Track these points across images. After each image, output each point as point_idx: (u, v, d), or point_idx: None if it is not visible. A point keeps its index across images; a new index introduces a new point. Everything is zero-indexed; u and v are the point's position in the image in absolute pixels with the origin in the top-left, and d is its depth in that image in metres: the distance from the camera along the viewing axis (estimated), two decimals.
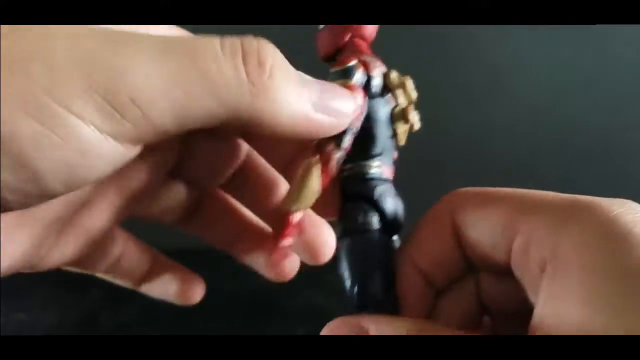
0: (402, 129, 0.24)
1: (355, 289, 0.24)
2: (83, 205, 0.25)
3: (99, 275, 0.30)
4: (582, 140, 0.59)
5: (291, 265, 0.28)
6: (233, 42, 0.19)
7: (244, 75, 0.18)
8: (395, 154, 0.25)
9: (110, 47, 0.17)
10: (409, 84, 0.24)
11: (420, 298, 0.23)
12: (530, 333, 0.19)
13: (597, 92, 0.55)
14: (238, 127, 0.20)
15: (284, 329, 0.23)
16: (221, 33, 0.19)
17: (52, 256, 0.25)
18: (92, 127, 0.17)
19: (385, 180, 0.24)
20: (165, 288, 0.31)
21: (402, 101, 0.24)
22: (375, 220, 0.24)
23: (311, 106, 0.20)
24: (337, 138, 0.23)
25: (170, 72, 0.17)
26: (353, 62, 0.24)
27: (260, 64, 0.19)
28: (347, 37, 0.25)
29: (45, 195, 0.18)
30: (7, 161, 0.16)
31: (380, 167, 0.24)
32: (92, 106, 0.17)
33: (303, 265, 0.29)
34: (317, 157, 0.23)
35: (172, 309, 0.34)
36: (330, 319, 0.23)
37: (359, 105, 0.23)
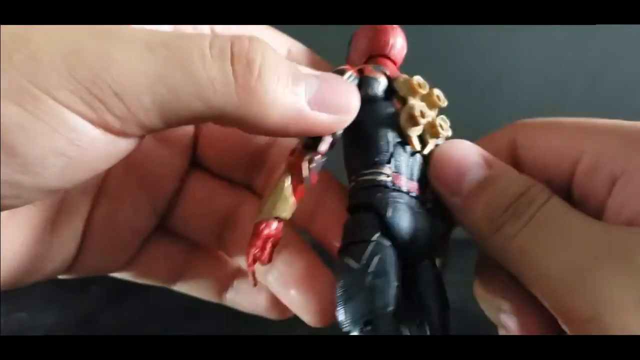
0: (413, 133, 0.22)
1: (339, 313, 0.20)
2: (116, 201, 0.25)
3: (175, 288, 0.29)
4: None
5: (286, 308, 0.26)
6: (222, 42, 0.18)
7: (231, 76, 0.18)
8: (416, 165, 0.22)
9: (95, 39, 0.17)
10: (419, 86, 0.22)
11: None
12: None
13: (598, 92, 0.55)
14: (229, 124, 0.19)
15: (284, 329, 0.23)
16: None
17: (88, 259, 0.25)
18: (79, 116, 0.17)
19: (399, 190, 0.21)
20: (253, 300, 0.28)
21: (411, 104, 0.22)
22: (375, 231, 0.20)
23: (306, 103, 0.19)
24: (312, 142, 0.21)
25: (155, 69, 0.17)
26: (344, 67, 0.22)
27: (249, 64, 0.18)
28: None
29: (42, 190, 0.18)
30: None
31: (389, 177, 0.21)
32: (77, 96, 0.16)
33: None
34: (285, 164, 0.21)
35: (171, 308, 0.34)
36: None
37: (359, 99, 0.21)
